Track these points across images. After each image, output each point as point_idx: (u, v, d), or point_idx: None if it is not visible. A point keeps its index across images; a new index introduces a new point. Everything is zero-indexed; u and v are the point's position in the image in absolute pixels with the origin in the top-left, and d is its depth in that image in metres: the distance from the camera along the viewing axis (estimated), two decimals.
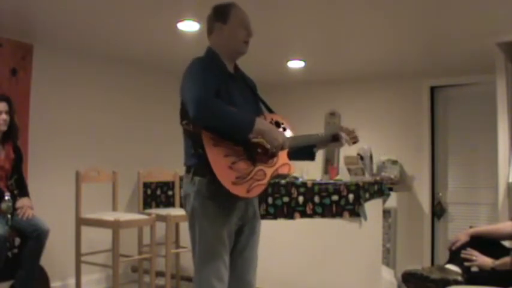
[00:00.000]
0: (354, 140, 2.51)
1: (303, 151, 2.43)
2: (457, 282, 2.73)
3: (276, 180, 3.98)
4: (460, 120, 5.38)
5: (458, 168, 5.39)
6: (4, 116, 3.39)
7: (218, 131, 2.04)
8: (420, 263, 5.00)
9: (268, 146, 2.09)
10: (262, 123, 2.09)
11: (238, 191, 2.02)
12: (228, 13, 2.24)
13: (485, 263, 2.79)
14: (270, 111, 2.38)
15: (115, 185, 4.17)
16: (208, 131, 2.03)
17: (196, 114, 1.99)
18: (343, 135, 2.45)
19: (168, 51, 4.63)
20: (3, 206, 3.28)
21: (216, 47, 2.27)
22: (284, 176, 2.30)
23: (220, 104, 2.03)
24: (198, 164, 2.10)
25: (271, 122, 2.24)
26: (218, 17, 2.26)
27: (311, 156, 2.48)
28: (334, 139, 2.46)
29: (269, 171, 2.15)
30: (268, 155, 2.16)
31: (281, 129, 2.27)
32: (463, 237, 3.00)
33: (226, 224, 2.14)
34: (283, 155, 2.23)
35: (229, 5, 2.27)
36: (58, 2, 3.31)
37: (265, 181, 2.12)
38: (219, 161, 2.02)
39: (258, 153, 2.12)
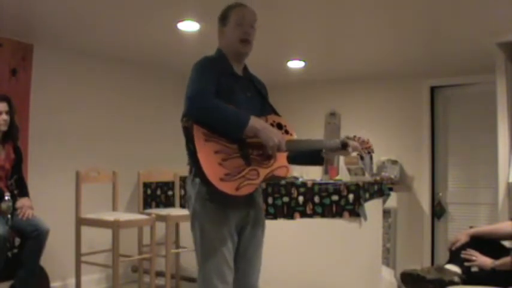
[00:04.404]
0: (369, 150, 2.45)
1: (310, 156, 2.40)
2: (452, 283, 2.73)
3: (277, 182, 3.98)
4: (460, 120, 5.38)
5: (458, 168, 5.39)
6: (4, 116, 3.39)
7: (211, 127, 2.01)
8: (420, 263, 5.00)
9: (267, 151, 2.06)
10: (257, 121, 2.05)
11: (226, 187, 1.98)
12: (227, 15, 2.26)
13: (485, 263, 2.79)
14: (277, 115, 2.34)
15: (115, 185, 4.16)
16: (201, 126, 2.00)
17: (189, 108, 2.01)
18: (351, 143, 2.38)
19: (168, 51, 4.63)
20: (3, 206, 3.27)
21: (223, 49, 2.29)
22: (280, 179, 2.26)
23: (216, 100, 2.02)
24: (196, 164, 2.07)
25: (272, 124, 2.21)
26: (220, 21, 2.30)
27: (319, 161, 2.43)
28: (343, 147, 2.39)
29: (263, 172, 2.10)
30: (265, 156, 2.12)
31: (282, 132, 2.23)
32: (463, 238, 3.00)
33: (226, 226, 2.13)
34: (281, 158, 2.17)
35: (230, 7, 2.28)
36: (58, 2, 3.31)
37: (258, 181, 2.09)
38: (208, 156, 1.98)
39: (254, 153, 2.09)
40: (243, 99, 2.19)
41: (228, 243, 2.13)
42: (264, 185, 3.98)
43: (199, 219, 2.13)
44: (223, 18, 2.27)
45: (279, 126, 2.25)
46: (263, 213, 2.35)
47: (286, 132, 2.26)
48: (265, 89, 2.43)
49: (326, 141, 2.40)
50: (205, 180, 1.99)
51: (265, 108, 2.32)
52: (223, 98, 2.07)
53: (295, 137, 2.30)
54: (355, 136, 2.45)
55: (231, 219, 2.14)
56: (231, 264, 2.15)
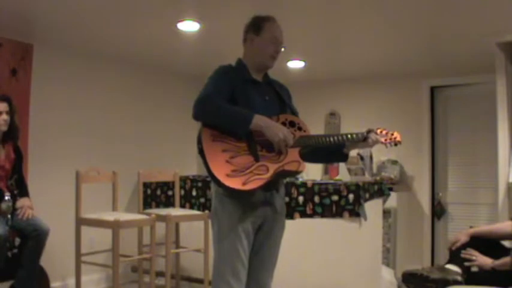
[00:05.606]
0: (395, 142, 2.31)
1: (331, 152, 2.40)
2: (456, 282, 2.73)
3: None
4: (460, 120, 5.38)
5: (458, 168, 5.39)
6: (4, 117, 3.39)
7: (219, 128, 2.11)
8: (420, 263, 5.00)
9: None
10: (261, 119, 2.11)
11: (232, 183, 2.05)
12: (262, 26, 2.32)
13: (485, 263, 2.79)
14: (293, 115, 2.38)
15: (115, 185, 4.16)
16: (209, 128, 2.12)
17: (195, 110, 2.12)
18: (372, 135, 2.28)
19: (168, 51, 4.63)
20: (3, 206, 3.27)
21: (245, 57, 2.36)
22: (293, 173, 2.25)
23: (220, 101, 2.11)
24: (205, 163, 2.14)
25: (284, 122, 2.24)
26: (252, 28, 2.34)
27: (343, 158, 2.39)
28: (365, 139, 2.30)
29: (273, 167, 2.14)
30: (276, 153, 2.16)
31: (294, 129, 2.25)
32: (463, 237, 3.00)
33: (243, 224, 2.17)
34: (293, 153, 2.19)
35: (266, 19, 2.34)
36: (58, 2, 3.31)
37: (267, 176, 2.11)
38: (215, 155, 2.08)
39: (264, 151, 2.15)
40: (260, 103, 2.26)
41: (243, 241, 2.17)
42: None
43: (218, 217, 2.21)
44: (257, 28, 2.32)
45: (292, 124, 2.28)
46: (284, 215, 2.37)
47: (300, 129, 2.28)
48: (287, 92, 2.49)
49: (344, 136, 2.30)
50: (212, 177, 2.07)
51: (284, 111, 2.36)
52: (241, 103, 2.16)
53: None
54: (378, 128, 2.35)
55: (248, 218, 2.19)
56: (246, 263, 2.19)
